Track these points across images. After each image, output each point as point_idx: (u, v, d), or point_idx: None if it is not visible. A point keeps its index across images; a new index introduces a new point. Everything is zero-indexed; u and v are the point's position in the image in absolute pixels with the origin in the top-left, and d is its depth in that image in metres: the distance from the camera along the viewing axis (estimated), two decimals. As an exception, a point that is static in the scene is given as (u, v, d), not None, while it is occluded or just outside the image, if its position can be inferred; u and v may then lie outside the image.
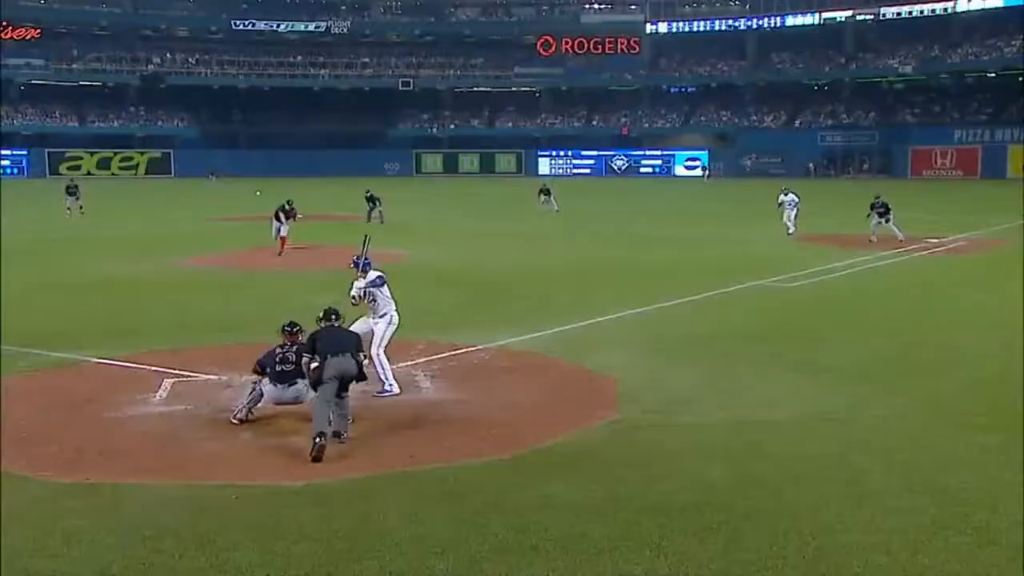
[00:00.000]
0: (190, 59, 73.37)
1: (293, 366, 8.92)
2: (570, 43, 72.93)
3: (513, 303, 15.73)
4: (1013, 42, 62.87)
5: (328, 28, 74.78)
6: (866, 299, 16.37)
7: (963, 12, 64.84)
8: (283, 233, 22.27)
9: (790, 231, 26.01)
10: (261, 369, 9.10)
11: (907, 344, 12.54)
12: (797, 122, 70.41)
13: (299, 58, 74.55)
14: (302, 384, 8.88)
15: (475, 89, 76.60)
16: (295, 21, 74.49)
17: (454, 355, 11.52)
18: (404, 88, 74.16)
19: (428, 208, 38.88)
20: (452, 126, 75.97)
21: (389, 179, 61.45)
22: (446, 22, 78.17)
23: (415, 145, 73.93)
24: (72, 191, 32.74)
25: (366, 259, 10.26)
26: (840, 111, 69.01)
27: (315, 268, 19.67)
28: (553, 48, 73.19)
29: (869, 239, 24.15)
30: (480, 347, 11.83)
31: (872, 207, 24.70)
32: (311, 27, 74.78)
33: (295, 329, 9.19)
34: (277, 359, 9.02)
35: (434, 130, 75.40)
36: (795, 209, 26.57)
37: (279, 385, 8.96)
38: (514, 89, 76.74)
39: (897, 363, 11.46)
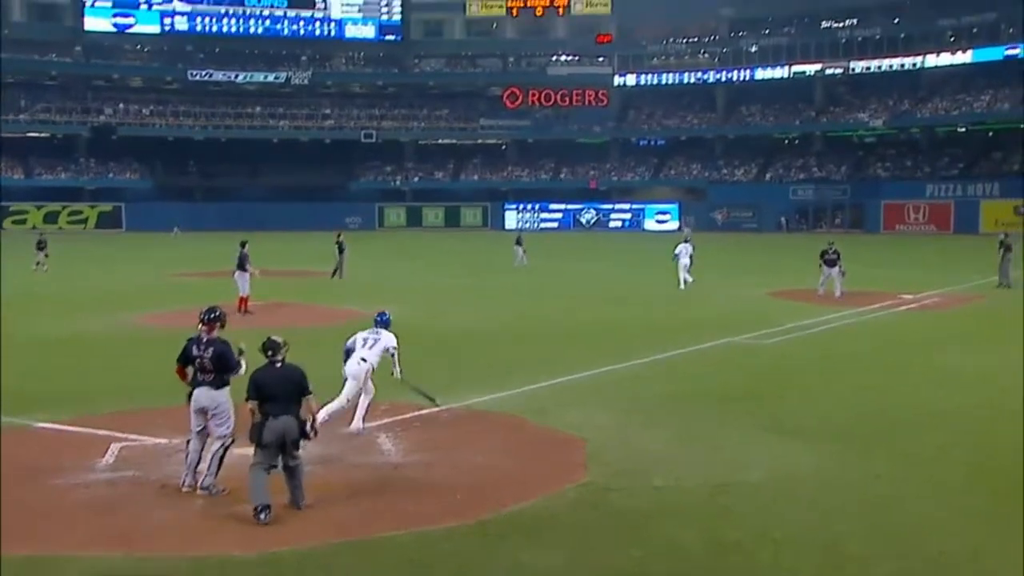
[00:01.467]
0: (144, 110, 73.34)
1: (212, 375, 8.57)
2: (537, 95, 74.52)
3: (478, 361, 15.69)
4: (982, 97, 65.03)
5: (288, 79, 75.33)
6: (841, 357, 16.50)
7: (932, 67, 66.90)
8: (243, 292, 21.93)
9: (687, 281, 26.18)
10: (183, 365, 8.76)
11: (883, 403, 12.63)
12: (768, 175, 71.76)
13: (258, 109, 74.90)
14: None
15: (440, 141, 77.39)
16: (254, 72, 74.92)
17: (417, 415, 11.44)
18: (367, 140, 74.66)
19: (390, 263, 38.83)
20: (416, 179, 76.42)
21: (351, 233, 61.07)
22: (410, 73, 79.04)
23: (378, 198, 74.20)
24: (42, 246, 33.57)
25: (385, 314, 11.24)
26: (811, 164, 70.46)
27: (276, 326, 19.43)
28: (520, 100, 74.48)
29: (817, 292, 24.38)
30: (444, 407, 11.76)
31: (823, 255, 24.88)
32: (271, 78, 75.27)
33: (214, 316, 8.72)
34: (196, 363, 8.63)
35: (397, 183, 75.77)
36: (688, 258, 26.74)
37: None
38: (480, 141, 77.65)
39: (873, 422, 11.52)
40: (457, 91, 78.81)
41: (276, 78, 75.20)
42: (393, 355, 10.81)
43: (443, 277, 32.20)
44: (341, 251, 30.78)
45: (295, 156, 72.64)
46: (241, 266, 22.30)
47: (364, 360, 10.65)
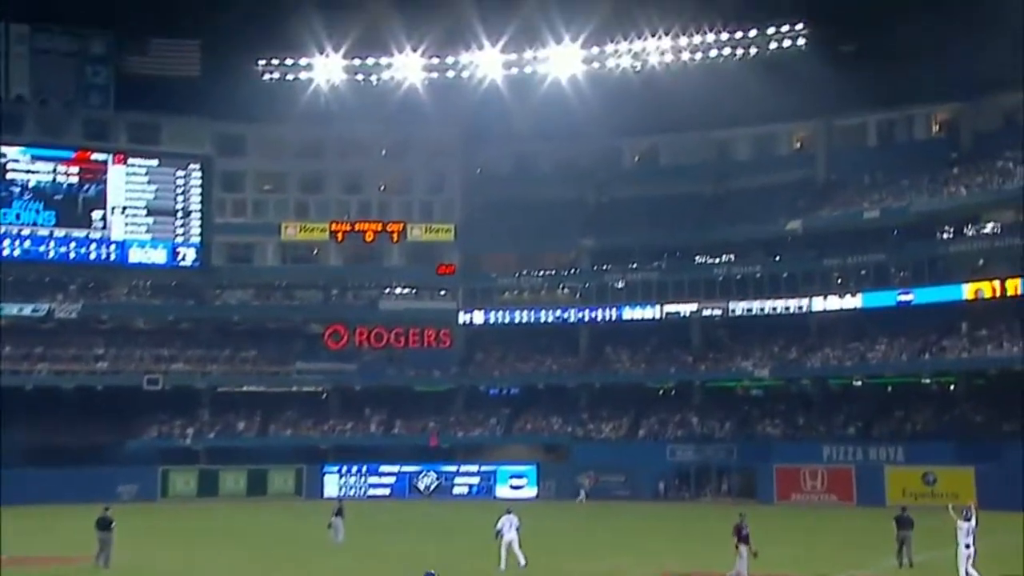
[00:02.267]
0: None
1: None
2: (366, 334, 75.32)
3: None
4: (876, 347, 68.47)
5: (51, 311, 73.84)
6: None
7: (819, 312, 70.85)
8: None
9: (521, 564, 27.10)
10: None
11: None
12: (641, 431, 73.10)
13: (8, 349, 72.23)
14: None
15: (245, 389, 76.60)
16: (5, 303, 72.94)
17: None
18: (150, 387, 72.86)
19: (173, 546, 37.25)
20: (212, 435, 74.57)
21: (124, 506, 58.61)
22: (209, 306, 78.82)
23: (161, 460, 71.67)
24: None
25: None
26: (691, 419, 72.19)
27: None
28: (345, 340, 74.81)
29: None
30: None
31: (737, 531, 25.53)
32: (27, 311, 73.48)
33: None
34: None
35: (188, 440, 73.70)
36: (514, 532, 28.05)
37: None
38: (295, 389, 77.18)
39: None
40: (268, 328, 78.95)
41: (35, 311, 73.51)
42: None
43: (241, 561, 30.95)
44: (105, 529, 29.56)
45: (55, 408, 69.91)
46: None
47: None
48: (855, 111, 74.33)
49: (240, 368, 76.86)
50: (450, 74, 74.03)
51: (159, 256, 77.54)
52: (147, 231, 77.18)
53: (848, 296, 69.62)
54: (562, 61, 71.53)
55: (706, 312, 74.29)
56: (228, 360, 76.98)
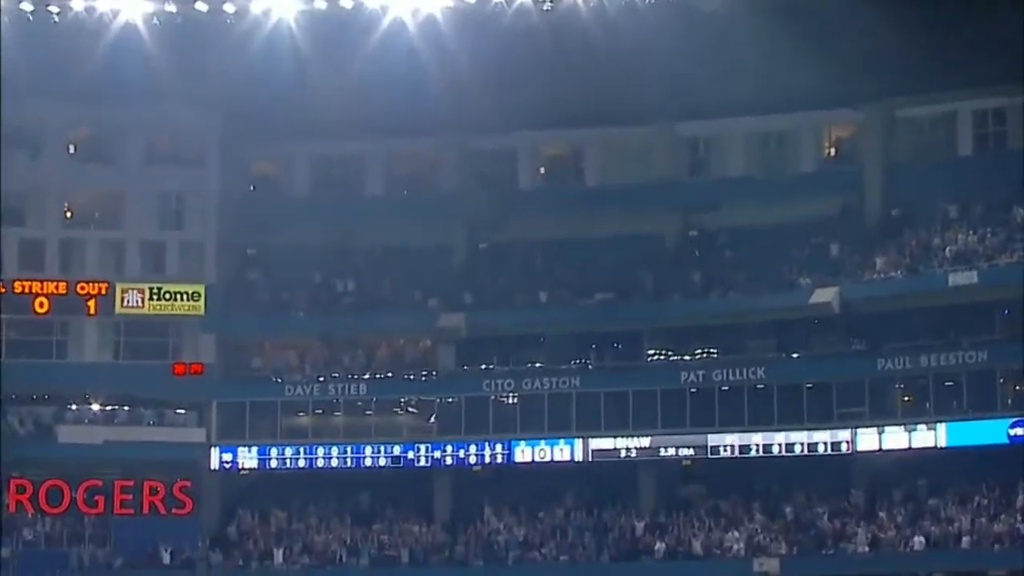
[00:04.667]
0: None
1: None
2: (30, 491, 49.61)
3: None
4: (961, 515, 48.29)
5: None
6: None
7: (868, 452, 50.48)
8: None
9: None
10: None
11: None
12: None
13: None
14: None
15: None
16: None
17: None
18: None
19: None
20: None
21: None
22: None
23: None
24: None
25: None
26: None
27: None
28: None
29: None
30: None
31: None
32: None
33: None
34: None
35: None
36: None
37: None
38: None
39: None
40: None
41: None
42: None
43: None
44: None
45: None
46: None
47: None
48: (936, 94, 52.34)
49: None
50: (201, 6, 47.47)
51: None
52: None
53: (922, 428, 48.21)
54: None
55: (666, 451, 51.38)
56: None
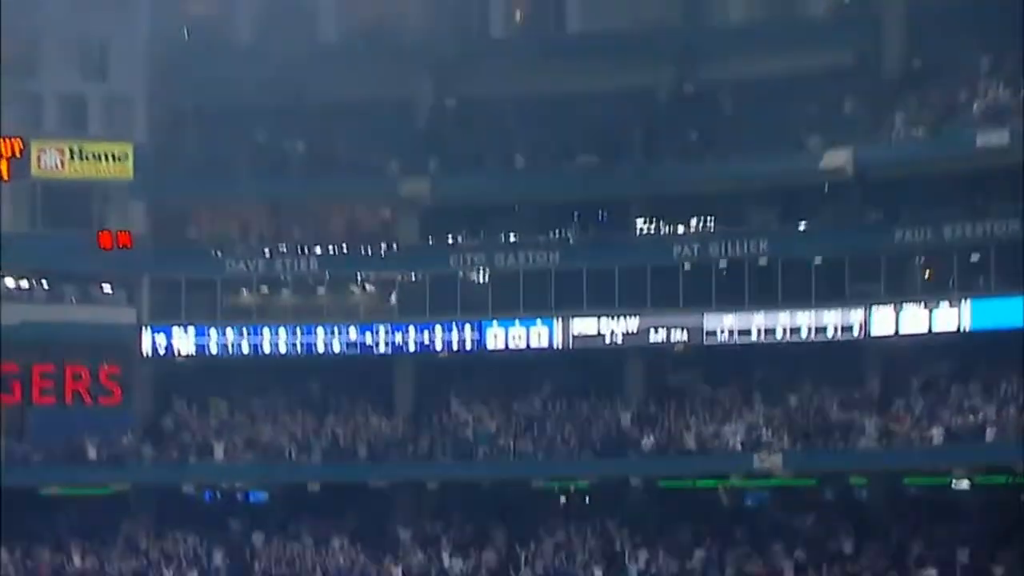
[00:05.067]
0: None
1: None
2: None
3: None
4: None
5: None
6: None
7: (886, 336, 47.66)
8: None
9: None
10: None
11: None
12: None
13: None
14: None
15: None
16: None
17: None
18: None
19: None
20: None
21: None
22: None
23: None
24: None
25: None
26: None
27: None
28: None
29: None
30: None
31: None
32: None
33: None
34: None
35: None
36: None
37: None
38: None
39: None
40: None
41: None
42: None
43: None
44: None
45: None
46: None
47: None
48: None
49: None
50: None
51: None
52: None
53: (944, 307, 44.44)
54: None
55: (656, 334, 48.22)
56: None
